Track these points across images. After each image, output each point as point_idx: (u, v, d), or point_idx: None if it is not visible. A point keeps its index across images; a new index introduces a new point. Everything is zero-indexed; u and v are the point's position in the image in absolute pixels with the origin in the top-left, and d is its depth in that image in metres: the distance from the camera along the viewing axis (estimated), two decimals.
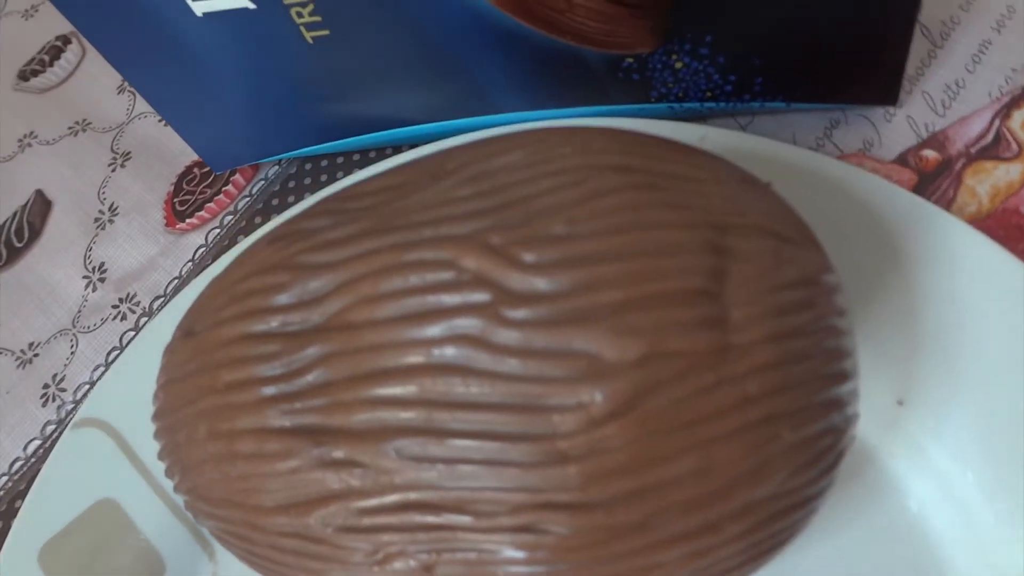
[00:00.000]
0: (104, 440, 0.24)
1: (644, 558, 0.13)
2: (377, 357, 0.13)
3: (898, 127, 0.24)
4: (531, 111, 0.24)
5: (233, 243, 0.28)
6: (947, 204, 0.23)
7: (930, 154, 0.23)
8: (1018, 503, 0.18)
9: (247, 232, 0.28)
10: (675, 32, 0.21)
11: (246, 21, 0.22)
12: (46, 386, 0.28)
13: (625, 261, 0.13)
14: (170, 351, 0.17)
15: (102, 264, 0.30)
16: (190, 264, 0.29)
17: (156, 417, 0.17)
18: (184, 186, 0.30)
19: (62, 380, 0.28)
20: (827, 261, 0.14)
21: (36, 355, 0.29)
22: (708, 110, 0.23)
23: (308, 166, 0.29)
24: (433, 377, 0.13)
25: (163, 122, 0.32)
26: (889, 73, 0.22)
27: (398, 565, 0.14)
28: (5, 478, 0.27)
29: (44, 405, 0.28)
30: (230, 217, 0.29)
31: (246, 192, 0.29)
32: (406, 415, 0.13)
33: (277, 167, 0.29)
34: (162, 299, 0.28)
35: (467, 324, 0.13)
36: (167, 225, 0.30)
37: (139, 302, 0.28)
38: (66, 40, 0.35)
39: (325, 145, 0.27)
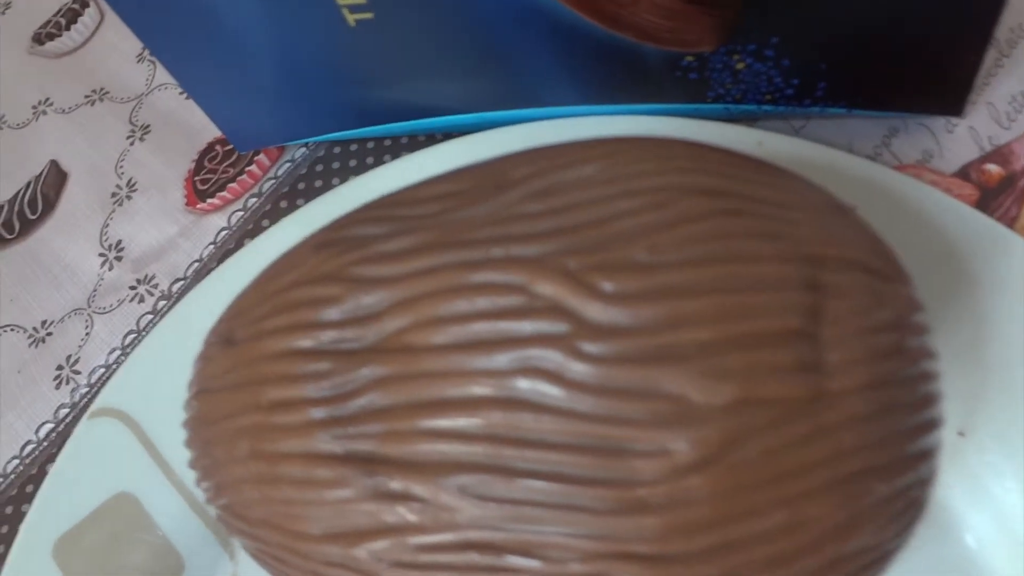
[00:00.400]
0: (122, 431, 0.23)
1: None
2: (439, 385, 0.13)
3: (960, 139, 0.23)
4: (579, 105, 0.22)
5: (257, 227, 0.27)
6: (1010, 222, 0.22)
7: (993, 168, 0.22)
8: None
9: (272, 216, 0.27)
10: (740, 33, 0.20)
11: None
12: (59, 367, 0.27)
13: (715, 296, 0.12)
14: (206, 359, 0.16)
15: (119, 242, 0.29)
16: (212, 247, 0.27)
17: (189, 426, 0.16)
18: (206, 164, 0.29)
19: (76, 362, 0.27)
20: (918, 299, 0.13)
21: (49, 334, 0.28)
22: (763, 113, 0.22)
23: (337, 150, 0.28)
24: (501, 411, 0.12)
25: (185, 95, 0.31)
26: (957, 83, 0.21)
27: None
28: (16, 462, 0.26)
29: (58, 387, 0.27)
30: (254, 199, 0.28)
31: (271, 174, 0.28)
32: (470, 450, 0.12)
33: (304, 149, 0.28)
34: (182, 282, 0.27)
35: (540, 356, 0.12)
36: (187, 204, 0.29)
37: (157, 284, 0.28)
38: (84, 3, 0.34)
39: (356, 130, 0.26)
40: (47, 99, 0.32)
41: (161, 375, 0.23)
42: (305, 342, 0.14)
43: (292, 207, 0.27)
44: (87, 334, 0.27)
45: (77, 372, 0.27)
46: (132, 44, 0.32)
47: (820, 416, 0.12)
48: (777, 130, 0.23)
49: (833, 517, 0.12)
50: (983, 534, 0.18)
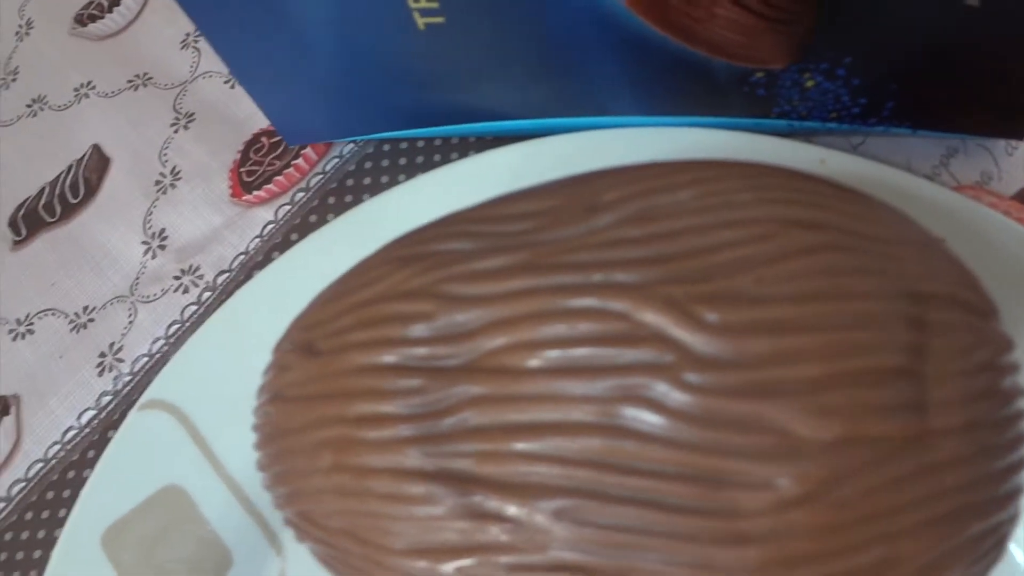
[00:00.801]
0: (172, 424, 0.23)
1: None
2: (538, 408, 0.13)
3: (1020, 161, 0.23)
4: (642, 115, 0.22)
5: (304, 222, 0.27)
6: None
7: None
8: None
9: (319, 212, 0.27)
10: (813, 52, 0.20)
11: None
12: (102, 355, 0.27)
13: (821, 332, 0.12)
14: (283, 367, 0.16)
15: (162, 230, 0.29)
16: (258, 240, 0.27)
17: (261, 431, 0.16)
18: (251, 155, 0.29)
19: (119, 350, 0.27)
20: (1010, 337, 0.13)
21: (91, 320, 0.28)
22: (826, 129, 0.22)
23: (386, 147, 0.27)
24: (602, 437, 0.12)
25: (230, 84, 0.30)
26: (1020, 106, 0.21)
27: None
28: (58, 447, 0.26)
29: (100, 375, 0.27)
30: (301, 194, 0.28)
31: (319, 169, 0.28)
32: (569, 474, 0.12)
33: (353, 146, 0.28)
34: (227, 274, 0.27)
35: (643, 384, 0.12)
36: (233, 196, 0.28)
37: (202, 275, 0.27)
38: None
39: (407, 131, 0.26)
40: (89, 82, 0.32)
41: (212, 371, 0.23)
42: (393, 357, 0.14)
43: (340, 203, 0.27)
44: (130, 322, 0.28)
45: (120, 360, 0.27)
46: (175, 29, 0.32)
47: (922, 455, 0.12)
48: (835, 147, 0.23)
49: (927, 554, 0.12)
50: None
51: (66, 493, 0.26)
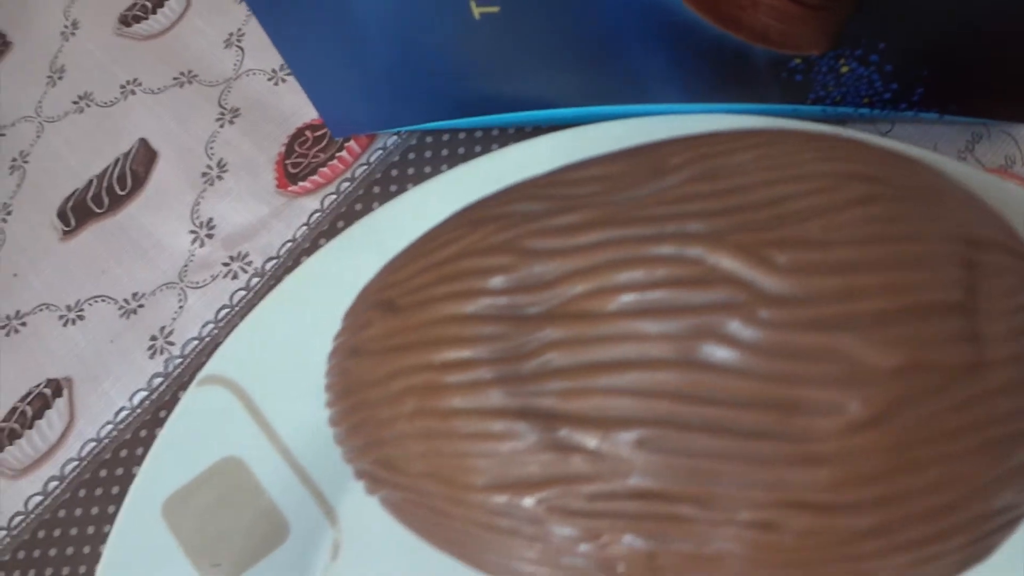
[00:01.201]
0: (229, 399, 0.24)
1: (868, 563, 0.13)
2: (618, 346, 0.14)
3: None
4: (683, 103, 0.24)
5: (351, 211, 0.28)
6: None
7: None
8: None
9: (365, 201, 0.28)
10: (848, 37, 0.21)
11: None
12: (153, 338, 0.28)
13: (884, 271, 0.13)
14: (360, 325, 0.17)
15: (210, 220, 0.30)
16: (305, 228, 0.28)
17: (337, 386, 0.17)
18: (296, 148, 0.30)
19: (170, 334, 0.28)
20: None
21: (141, 306, 0.29)
22: (858, 116, 0.24)
23: (429, 139, 0.29)
24: (679, 372, 0.13)
25: (273, 81, 0.32)
26: None
27: (619, 551, 0.14)
28: (111, 427, 0.27)
29: (151, 357, 0.28)
30: (347, 184, 0.29)
31: (363, 160, 0.29)
32: (648, 406, 0.13)
33: (396, 137, 0.29)
34: (275, 260, 0.28)
35: (718, 321, 0.13)
36: (278, 187, 0.30)
37: (251, 262, 0.28)
38: None
39: (449, 121, 0.27)
40: (135, 79, 0.33)
41: (267, 347, 0.24)
42: (475, 307, 0.15)
43: (385, 192, 0.28)
44: (180, 307, 0.28)
45: (171, 343, 0.28)
46: (219, 30, 0.33)
47: (977, 383, 0.13)
48: (865, 132, 0.24)
49: (983, 475, 0.13)
50: None
51: (119, 471, 0.27)
